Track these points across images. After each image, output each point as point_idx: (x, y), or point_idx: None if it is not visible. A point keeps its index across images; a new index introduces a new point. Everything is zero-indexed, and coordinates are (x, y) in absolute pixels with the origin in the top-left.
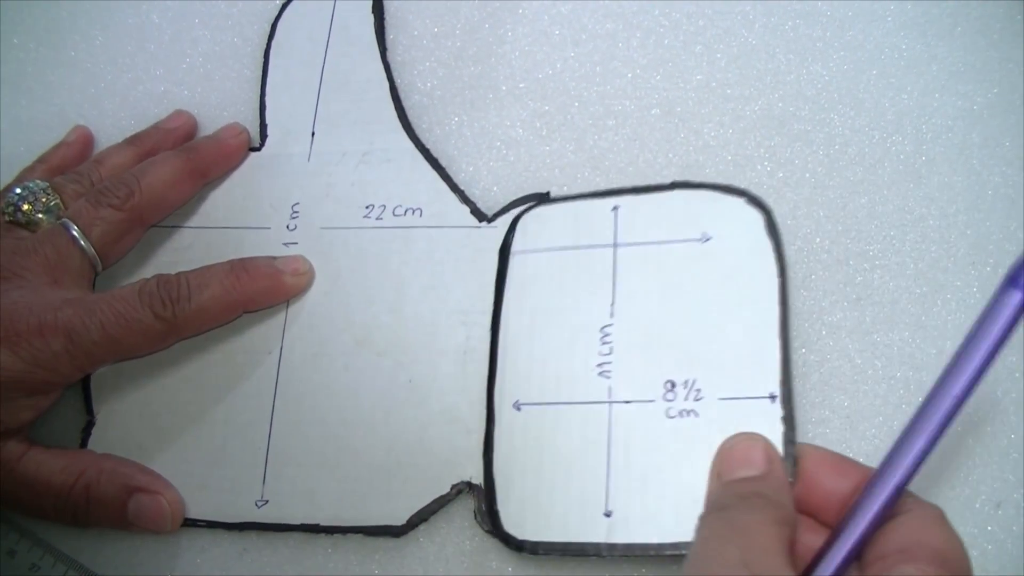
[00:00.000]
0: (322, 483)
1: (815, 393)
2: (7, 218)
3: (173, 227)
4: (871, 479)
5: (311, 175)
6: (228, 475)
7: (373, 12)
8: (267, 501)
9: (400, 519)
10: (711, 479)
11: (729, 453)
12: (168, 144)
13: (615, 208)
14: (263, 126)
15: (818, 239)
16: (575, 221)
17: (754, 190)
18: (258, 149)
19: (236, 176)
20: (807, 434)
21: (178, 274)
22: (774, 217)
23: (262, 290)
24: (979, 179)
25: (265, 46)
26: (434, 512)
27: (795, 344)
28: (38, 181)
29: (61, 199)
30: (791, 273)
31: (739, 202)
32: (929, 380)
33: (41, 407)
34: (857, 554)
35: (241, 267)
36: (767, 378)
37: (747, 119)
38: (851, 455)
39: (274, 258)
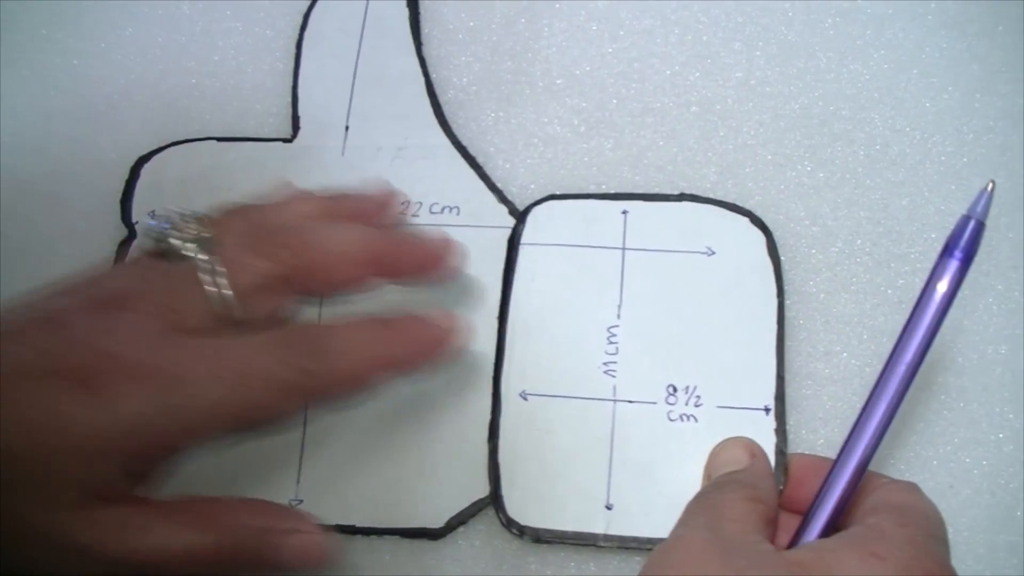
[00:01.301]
0: (358, 483)
1: (857, 399)
2: (151, 243)
3: None
4: (842, 449)
5: (345, 169)
6: (261, 474)
7: (408, 5)
8: (301, 501)
9: (438, 521)
10: (703, 481)
11: (717, 456)
12: (362, 218)
13: (624, 212)
14: (295, 118)
15: (859, 241)
16: (585, 220)
17: (795, 190)
18: (290, 141)
19: (268, 168)
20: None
21: (317, 324)
22: (775, 239)
23: (411, 349)
24: (1021, 181)
25: (297, 38)
26: (472, 515)
27: (836, 348)
28: (193, 209)
29: (215, 234)
30: (832, 275)
31: (743, 221)
32: (971, 385)
33: (146, 477)
34: (835, 522)
35: (386, 323)
36: (763, 392)
37: (787, 118)
38: (891, 461)
39: (420, 315)
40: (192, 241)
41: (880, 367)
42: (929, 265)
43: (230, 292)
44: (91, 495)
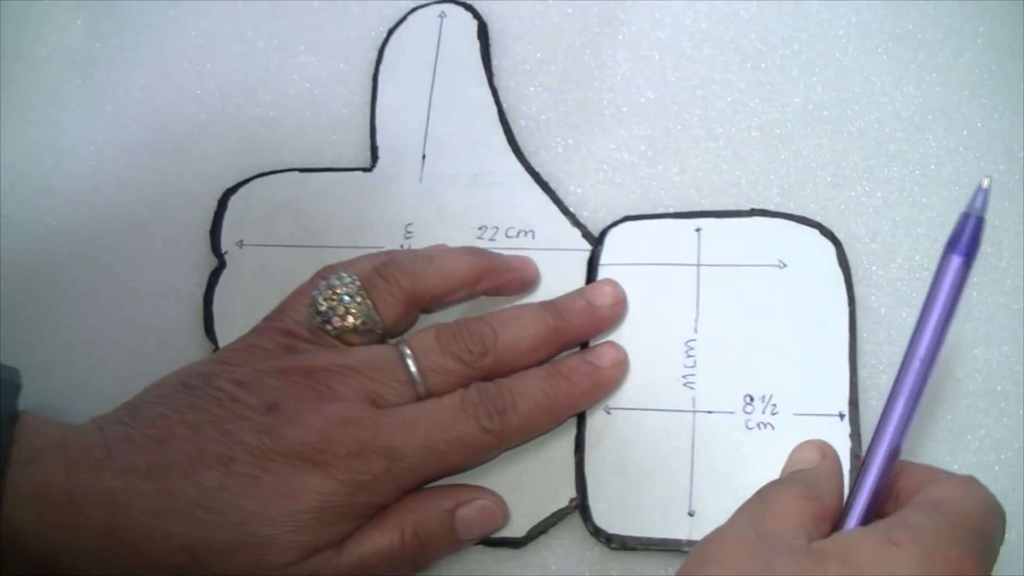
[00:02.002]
0: None
1: (919, 408)
2: (316, 321)
3: (289, 247)
4: (869, 449)
5: (423, 196)
6: None
7: (479, 38)
8: None
9: (520, 531)
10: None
11: (791, 457)
12: (506, 280)
13: (698, 230)
14: (374, 148)
15: (917, 257)
16: (660, 239)
17: (855, 209)
18: (369, 170)
19: (350, 197)
20: (912, 447)
21: (496, 382)
22: (844, 250)
23: (584, 393)
24: None
25: (373, 71)
26: (553, 524)
27: (899, 360)
28: (349, 280)
29: (373, 303)
30: (893, 290)
31: (813, 233)
32: None
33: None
34: (872, 513)
35: (558, 372)
36: (837, 398)
37: (845, 140)
38: (955, 466)
39: (585, 353)
40: (358, 319)
41: (941, 378)
42: (986, 279)
43: (424, 387)
44: (310, 550)
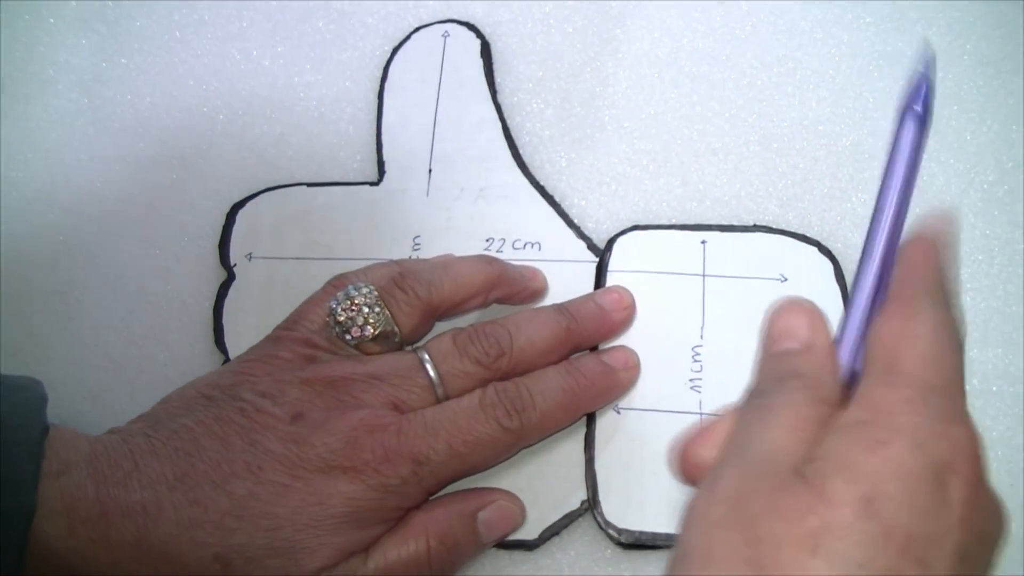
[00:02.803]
0: None
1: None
2: (334, 332)
3: (298, 259)
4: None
5: (431, 209)
6: None
7: (482, 56)
8: None
9: (532, 533)
10: (759, 349)
11: (774, 322)
12: (518, 288)
13: (703, 242)
14: (381, 163)
15: None
16: (667, 249)
17: (851, 219)
18: (376, 184)
19: (358, 210)
20: None
21: (514, 381)
22: (841, 266)
23: (600, 391)
24: None
25: (378, 89)
26: (565, 527)
27: None
28: (367, 291)
29: (391, 313)
30: None
31: (812, 250)
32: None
33: (389, 527)
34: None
35: (575, 369)
36: None
37: (839, 154)
38: None
39: (600, 355)
40: (375, 330)
41: None
42: (979, 285)
43: (444, 393)
44: (342, 553)
